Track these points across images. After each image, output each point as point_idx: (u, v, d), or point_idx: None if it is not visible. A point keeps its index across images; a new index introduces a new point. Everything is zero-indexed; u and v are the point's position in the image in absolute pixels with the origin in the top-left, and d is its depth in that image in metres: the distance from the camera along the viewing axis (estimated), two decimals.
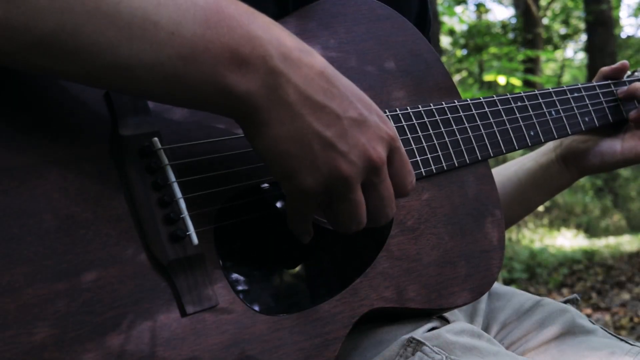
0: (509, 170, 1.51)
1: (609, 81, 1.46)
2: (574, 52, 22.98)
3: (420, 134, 1.09)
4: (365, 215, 0.85)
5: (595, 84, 1.44)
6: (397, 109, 1.07)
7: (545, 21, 16.84)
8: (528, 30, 14.14)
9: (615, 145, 1.42)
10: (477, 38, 12.60)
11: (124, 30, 0.70)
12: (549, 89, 1.33)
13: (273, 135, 0.78)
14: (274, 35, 0.77)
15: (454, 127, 1.14)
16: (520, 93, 1.28)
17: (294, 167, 0.79)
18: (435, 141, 1.11)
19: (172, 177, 0.83)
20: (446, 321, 1.10)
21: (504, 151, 1.20)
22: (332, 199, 0.84)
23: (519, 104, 1.26)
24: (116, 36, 0.70)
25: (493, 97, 1.22)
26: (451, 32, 13.48)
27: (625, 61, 1.47)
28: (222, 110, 0.79)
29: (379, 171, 0.83)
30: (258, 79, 0.76)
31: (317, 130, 0.78)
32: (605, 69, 1.48)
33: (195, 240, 0.82)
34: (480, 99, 1.20)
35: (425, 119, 1.11)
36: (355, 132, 0.80)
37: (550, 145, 1.50)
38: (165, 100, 0.80)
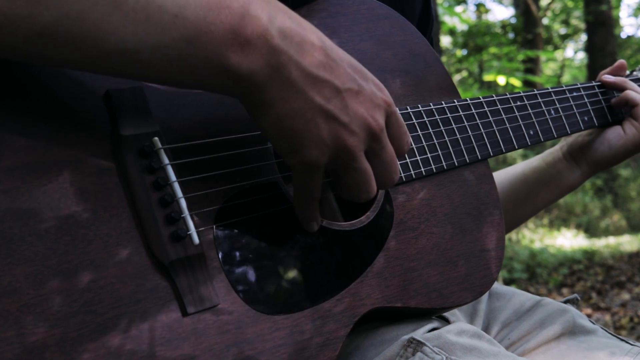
0: (516, 169, 1.52)
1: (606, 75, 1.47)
2: (574, 52, 23.01)
3: (420, 133, 1.09)
4: (374, 182, 0.88)
5: (594, 83, 1.45)
6: (397, 109, 1.07)
7: (545, 21, 16.85)
8: (528, 30, 14.15)
9: (618, 130, 1.44)
10: (477, 38, 12.60)
11: (128, 15, 0.71)
12: (548, 89, 1.34)
13: (277, 113, 0.79)
14: (273, 14, 0.78)
15: (454, 126, 1.14)
16: (520, 93, 1.28)
17: (299, 142, 0.81)
18: (435, 140, 1.11)
19: (173, 177, 0.83)
20: (446, 321, 1.10)
21: (504, 150, 1.20)
22: (338, 171, 0.86)
23: (519, 103, 1.26)
24: (120, 21, 0.71)
25: (492, 96, 1.23)
26: (451, 32, 13.47)
27: (622, 60, 1.48)
28: (226, 90, 0.80)
29: (379, 137, 0.86)
30: (260, 58, 0.77)
31: (319, 105, 0.80)
32: (604, 71, 1.50)
33: (196, 239, 0.82)
34: (479, 98, 1.20)
35: (425, 119, 1.11)
36: (354, 103, 0.83)
37: (557, 145, 1.51)
38: (169, 83, 0.81)
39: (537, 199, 1.51)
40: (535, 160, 1.52)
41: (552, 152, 1.50)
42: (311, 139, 0.81)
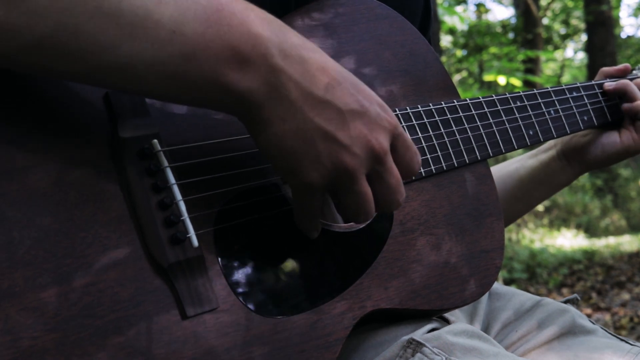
0: (510, 167, 1.52)
1: (608, 80, 1.46)
2: (574, 52, 23.03)
3: (419, 134, 1.09)
4: (373, 206, 0.86)
5: (594, 83, 1.44)
6: (397, 109, 1.07)
7: (545, 21, 16.85)
8: (528, 30, 14.15)
9: (614, 136, 1.43)
10: (477, 38, 12.60)
11: (125, 29, 0.70)
12: (547, 88, 1.34)
13: (276, 133, 0.78)
14: (274, 32, 0.78)
15: (454, 127, 1.14)
16: (519, 92, 1.28)
17: (298, 163, 0.80)
18: (435, 141, 1.11)
19: (172, 180, 0.83)
20: (446, 322, 1.10)
21: (503, 151, 1.20)
22: (338, 193, 0.85)
23: (518, 103, 1.26)
24: (117, 35, 0.70)
25: (492, 96, 1.22)
26: (451, 32, 13.48)
27: (627, 64, 1.48)
28: (224, 108, 0.80)
29: (383, 160, 0.84)
30: (259, 76, 0.76)
31: (319, 125, 0.79)
32: (606, 69, 1.49)
33: (195, 242, 0.82)
34: (479, 98, 1.20)
35: (425, 120, 1.11)
36: (357, 124, 0.81)
37: (550, 142, 1.51)
38: (166, 99, 0.80)
39: (530, 198, 1.51)
40: (529, 160, 1.51)
41: (546, 150, 1.50)
42: (310, 161, 0.80)
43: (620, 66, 1.48)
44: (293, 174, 0.81)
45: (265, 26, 0.77)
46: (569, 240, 10.81)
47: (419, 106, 1.11)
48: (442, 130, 1.12)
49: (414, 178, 1.06)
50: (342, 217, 0.89)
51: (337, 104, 0.80)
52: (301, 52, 0.79)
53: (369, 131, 0.82)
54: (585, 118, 1.38)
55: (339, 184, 0.83)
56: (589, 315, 3.10)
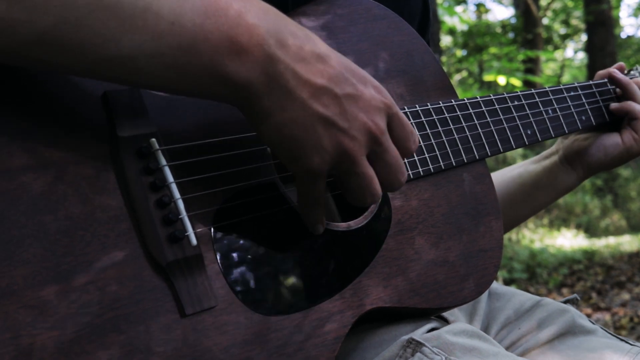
0: (513, 172, 1.52)
1: (606, 80, 1.47)
2: (574, 52, 23.01)
3: (417, 134, 1.09)
4: (378, 185, 0.87)
5: (592, 82, 1.45)
6: (399, 110, 1.07)
7: (545, 21, 16.85)
8: (528, 30, 14.16)
9: (616, 138, 1.43)
10: (477, 38, 12.61)
11: (125, 22, 0.71)
12: (545, 88, 1.34)
13: (276, 121, 0.79)
14: (270, 22, 0.79)
15: (452, 126, 1.14)
16: (517, 92, 1.28)
17: (300, 150, 0.81)
18: (433, 140, 1.11)
19: (171, 178, 0.83)
20: (446, 321, 1.10)
21: (502, 150, 1.20)
22: (341, 177, 0.86)
23: (516, 103, 1.26)
24: (118, 28, 0.71)
25: (490, 96, 1.23)
26: (451, 32, 13.48)
27: (621, 63, 1.49)
28: (224, 99, 0.81)
29: (380, 141, 0.85)
30: (257, 66, 0.77)
31: (318, 112, 0.80)
32: (601, 72, 1.50)
33: (193, 241, 0.82)
34: (477, 98, 1.20)
35: (423, 119, 1.11)
36: (353, 108, 0.83)
37: (553, 147, 1.51)
38: (168, 91, 0.81)
39: (534, 202, 1.51)
40: (532, 165, 1.52)
41: (549, 156, 1.51)
42: (312, 146, 0.81)
43: (615, 66, 1.49)
44: (296, 161, 0.82)
45: (262, 16, 0.78)
46: (569, 240, 10.80)
47: (416, 106, 1.11)
48: (440, 130, 1.13)
49: (412, 177, 1.07)
50: (350, 202, 0.90)
51: (333, 90, 0.81)
52: (296, 41, 0.80)
53: (365, 114, 0.83)
54: (583, 118, 1.38)
55: (341, 168, 0.84)
56: (589, 315, 3.10)
